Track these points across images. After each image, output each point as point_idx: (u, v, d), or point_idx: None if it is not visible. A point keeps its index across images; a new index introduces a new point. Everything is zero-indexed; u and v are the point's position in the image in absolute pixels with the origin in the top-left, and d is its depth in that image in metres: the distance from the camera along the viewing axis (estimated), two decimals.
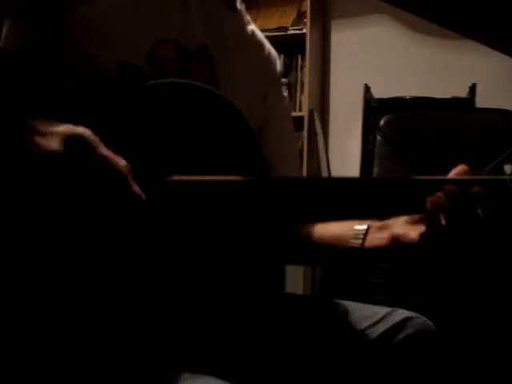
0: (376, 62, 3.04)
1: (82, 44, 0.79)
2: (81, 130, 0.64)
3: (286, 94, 1.08)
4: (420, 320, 0.94)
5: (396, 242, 0.86)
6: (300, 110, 3.03)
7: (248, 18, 1.02)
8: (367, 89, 2.72)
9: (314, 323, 0.97)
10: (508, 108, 2.13)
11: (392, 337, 0.92)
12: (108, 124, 0.73)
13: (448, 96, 2.63)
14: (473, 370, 1.77)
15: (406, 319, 0.93)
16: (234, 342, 0.87)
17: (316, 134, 3.00)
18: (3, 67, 0.70)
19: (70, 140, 0.63)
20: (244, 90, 0.84)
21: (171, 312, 0.72)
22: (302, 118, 2.98)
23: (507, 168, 0.77)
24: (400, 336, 0.92)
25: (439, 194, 0.76)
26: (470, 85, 2.63)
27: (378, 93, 2.74)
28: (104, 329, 0.68)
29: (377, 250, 0.91)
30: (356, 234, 0.93)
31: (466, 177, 0.79)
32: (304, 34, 2.97)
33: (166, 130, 0.76)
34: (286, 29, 3.04)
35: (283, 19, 3.11)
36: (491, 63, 2.69)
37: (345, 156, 3.02)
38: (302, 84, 3.04)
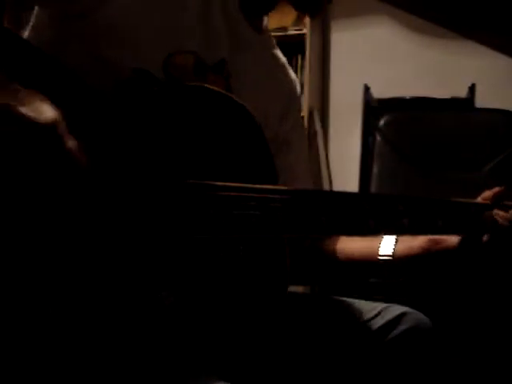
0: (376, 62, 3.04)
1: (100, 46, 0.79)
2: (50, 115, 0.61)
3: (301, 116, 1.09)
4: (416, 315, 0.95)
5: (435, 247, 0.87)
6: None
7: (273, 41, 1.02)
8: (367, 89, 2.73)
9: (310, 320, 0.98)
10: (507, 108, 2.14)
11: (388, 332, 0.93)
12: (121, 124, 0.72)
13: (448, 96, 2.64)
14: (468, 365, 1.77)
15: (402, 314, 0.94)
16: (238, 343, 0.88)
17: (316, 133, 3.00)
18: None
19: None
20: (259, 107, 0.83)
21: (174, 314, 0.71)
22: (302, 117, 2.97)
23: None
24: (396, 331, 0.93)
25: (499, 212, 0.83)
26: (469, 85, 2.63)
27: (377, 93, 2.75)
28: (105, 331, 0.68)
29: (409, 258, 0.90)
30: (385, 244, 0.92)
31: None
32: (304, 34, 2.97)
33: (177, 132, 0.76)
34: (286, 29, 3.04)
35: (283, 19, 3.11)
36: (491, 63, 2.69)
37: (345, 156, 3.02)
38: (302, 84, 3.03)
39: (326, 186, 3.02)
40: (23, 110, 0.59)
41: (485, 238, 0.85)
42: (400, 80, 2.94)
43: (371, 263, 0.94)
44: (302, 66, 3.06)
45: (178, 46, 0.84)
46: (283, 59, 1.05)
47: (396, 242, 0.92)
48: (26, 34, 0.82)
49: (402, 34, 3.01)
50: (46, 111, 0.60)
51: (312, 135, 2.99)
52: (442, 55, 2.93)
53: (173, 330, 0.72)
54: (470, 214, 0.86)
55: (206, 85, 0.80)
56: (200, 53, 0.86)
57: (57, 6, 0.79)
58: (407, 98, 2.63)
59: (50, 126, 0.60)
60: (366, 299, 1.02)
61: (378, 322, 0.94)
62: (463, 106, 2.58)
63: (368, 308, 0.97)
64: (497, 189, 0.90)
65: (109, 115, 0.72)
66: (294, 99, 1.06)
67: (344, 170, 2.99)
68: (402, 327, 0.93)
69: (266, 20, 1.00)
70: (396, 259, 0.91)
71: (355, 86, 2.83)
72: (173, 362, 0.72)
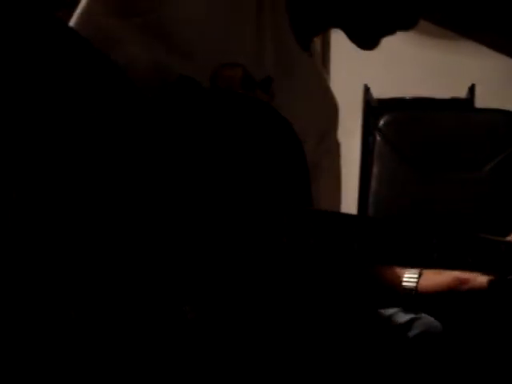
0: (376, 62, 3.03)
1: (152, 47, 0.77)
2: None
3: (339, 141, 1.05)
4: (427, 320, 0.94)
5: (461, 287, 0.85)
6: None
7: (320, 65, 1.01)
8: (367, 89, 2.72)
9: (315, 323, 0.97)
10: (507, 108, 2.13)
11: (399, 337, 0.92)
12: (166, 127, 0.71)
13: (447, 96, 2.64)
14: (479, 370, 1.77)
15: (413, 319, 0.93)
16: (261, 359, 0.87)
17: None
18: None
19: None
20: (299, 130, 0.80)
21: (197, 329, 0.70)
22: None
23: None
24: (407, 336, 0.92)
25: None
26: (469, 85, 2.63)
27: (377, 93, 2.74)
28: (119, 342, 0.67)
29: (432, 295, 0.89)
30: (409, 277, 0.90)
31: None
32: None
33: (223, 140, 0.74)
34: None
35: None
36: (491, 63, 2.69)
37: (345, 156, 3.00)
38: None
39: None
40: None
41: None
42: (400, 80, 2.94)
43: (391, 291, 0.92)
44: None
45: (229, 58, 0.82)
46: (326, 83, 1.03)
47: (420, 276, 0.90)
48: (71, 20, 0.79)
49: (401, 34, 3.00)
50: None
51: None
52: (442, 55, 2.92)
53: (194, 344, 0.70)
54: (500, 252, 0.80)
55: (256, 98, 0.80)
56: (249, 67, 0.84)
57: (115, 4, 0.77)
58: (407, 98, 2.63)
59: None
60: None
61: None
62: (463, 106, 2.58)
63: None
64: None
65: (150, 120, 0.71)
66: (333, 123, 1.04)
67: (344, 169, 2.98)
68: (414, 332, 0.91)
69: (316, 41, 0.98)
70: (419, 293, 0.89)
71: (355, 86, 2.83)
72: (194, 376, 0.71)
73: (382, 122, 2.11)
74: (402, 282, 0.91)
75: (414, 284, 0.90)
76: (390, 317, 0.94)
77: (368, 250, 0.74)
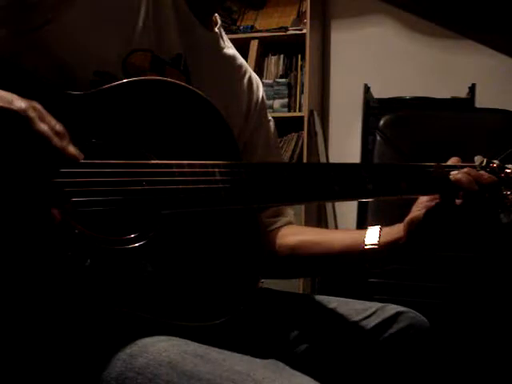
0: (376, 62, 3.04)
1: (58, 54, 0.81)
2: (20, 104, 0.63)
3: (270, 117, 1.11)
4: (412, 314, 0.96)
5: (411, 227, 0.91)
6: (300, 110, 3.03)
7: (228, 43, 1.05)
8: (367, 89, 2.73)
9: (304, 319, 0.98)
10: (507, 108, 2.13)
11: (384, 330, 0.94)
12: (85, 118, 0.75)
13: (448, 96, 2.64)
14: (465, 365, 1.77)
15: (398, 313, 0.95)
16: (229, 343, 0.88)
17: (316, 134, 3.00)
18: None
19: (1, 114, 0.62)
20: (220, 104, 0.86)
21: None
22: (302, 118, 2.98)
23: (477, 159, 0.99)
24: (392, 329, 0.93)
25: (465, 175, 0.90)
26: (469, 85, 2.64)
27: (377, 93, 2.75)
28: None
29: (394, 244, 0.93)
30: (370, 234, 0.95)
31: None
32: (304, 34, 2.97)
33: (140, 123, 0.78)
34: (286, 29, 3.04)
35: (283, 19, 3.11)
36: (491, 63, 2.70)
37: (344, 156, 3.02)
38: (302, 84, 3.04)
39: None
40: None
41: (457, 201, 0.89)
42: (400, 80, 2.94)
43: (354, 254, 0.97)
44: (302, 66, 3.06)
45: (133, 45, 0.87)
46: (241, 60, 1.07)
47: (380, 232, 0.96)
48: None
49: (402, 34, 3.01)
50: (18, 101, 0.63)
51: (312, 135, 3.00)
52: (443, 55, 2.93)
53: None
54: (429, 175, 0.92)
55: (159, 77, 0.84)
56: (156, 50, 0.90)
57: (7, 25, 0.81)
58: (407, 98, 2.63)
59: (23, 110, 0.63)
60: (366, 299, 1.03)
61: (374, 321, 0.94)
62: (463, 106, 2.58)
63: (363, 307, 0.98)
64: (454, 159, 0.98)
65: (77, 112, 0.75)
66: (255, 101, 1.08)
67: None
68: (399, 326, 0.94)
69: (217, 18, 1.03)
70: (381, 247, 0.94)
71: (355, 86, 2.84)
72: None
73: (381, 122, 2.11)
74: (364, 240, 0.95)
75: (376, 240, 0.95)
76: (376, 311, 0.95)
77: (302, 187, 0.84)
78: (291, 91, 3.07)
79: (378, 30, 3.03)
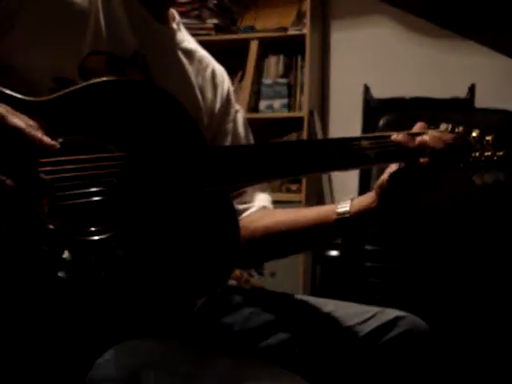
0: (376, 62, 3.04)
1: (14, 63, 0.82)
2: None
3: (238, 107, 1.12)
4: (411, 319, 0.95)
5: (381, 190, 0.94)
6: (300, 110, 3.03)
7: (189, 38, 1.07)
8: (367, 89, 2.72)
9: (302, 321, 0.98)
10: (507, 108, 2.13)
11: (383, 334, 0.93)
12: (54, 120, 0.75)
13: (447, 96, 2.63)
14: (465, 370, 1.77)
15: (398, 318, 0.94)
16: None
17: (316, 134, 3.00)
18: None
19: None
20: (182, 97, 0.86)
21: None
22: (301, 118, 2.98)
23: (442, 126, 1.04)
24: (391, 334, 0.93)
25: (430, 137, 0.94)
26: (469, 85, 2.63)
27: (377, 93, 2.74)
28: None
29: (366, 208, 0.96)
30: (341, 204, 0.98)
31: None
32: (304, 35, 2.97)
33: (104, 123, 0.78)
34: (286, 29, 3.04)
35: (283, 19, 3.11)
36: (491, 63, 2.69)
37: None
38: (302, 84, 3.04)
39: (326, 186, 3.02)
40: None
41: (422, 160, 0.92)
42: (400, 80, 2.94)
43: (328, 225, 0.99)
44: (302, 66, 3.06)
45: (86, 50, 0.88)
46: (203, 53, 1.08)
47: (352, 202, 0.98)
48: None
49: (401, 34, 3.01)
50: None
51: (312, 135, 2.99)
52: (442, 55, 2.93)
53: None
54: (391, 142, 0.95)
55: (120, 78, 0.84)
56: (112, 50, 0.90)
57: None
58: (407, 98, 2.63)
59: None
60: (366, 299, 1.03)
61: (372, 324, 0.94)
62: (463, 106, 2.58)
63: (362, 310, 0.97)
64: (420, 124, 1.01)
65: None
66: (220, 92, 1.09)
67: None
68: (398, 330, 0.93)
69: (174, 14, 1.04)
70: (353, 214, 0.96)
71: (355, 86, 2.83)
72: None
73: (381, 122, 2.11)
74: (336, 210, 0.98)
75: (347, 208, 0.97)
76: (376, 314, 0.95)
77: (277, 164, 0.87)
78: (291, 91, 3.07)
79: (377, 31, 3.03)
